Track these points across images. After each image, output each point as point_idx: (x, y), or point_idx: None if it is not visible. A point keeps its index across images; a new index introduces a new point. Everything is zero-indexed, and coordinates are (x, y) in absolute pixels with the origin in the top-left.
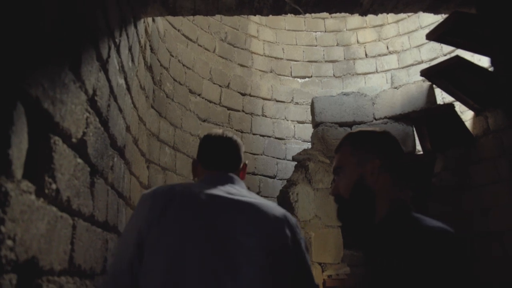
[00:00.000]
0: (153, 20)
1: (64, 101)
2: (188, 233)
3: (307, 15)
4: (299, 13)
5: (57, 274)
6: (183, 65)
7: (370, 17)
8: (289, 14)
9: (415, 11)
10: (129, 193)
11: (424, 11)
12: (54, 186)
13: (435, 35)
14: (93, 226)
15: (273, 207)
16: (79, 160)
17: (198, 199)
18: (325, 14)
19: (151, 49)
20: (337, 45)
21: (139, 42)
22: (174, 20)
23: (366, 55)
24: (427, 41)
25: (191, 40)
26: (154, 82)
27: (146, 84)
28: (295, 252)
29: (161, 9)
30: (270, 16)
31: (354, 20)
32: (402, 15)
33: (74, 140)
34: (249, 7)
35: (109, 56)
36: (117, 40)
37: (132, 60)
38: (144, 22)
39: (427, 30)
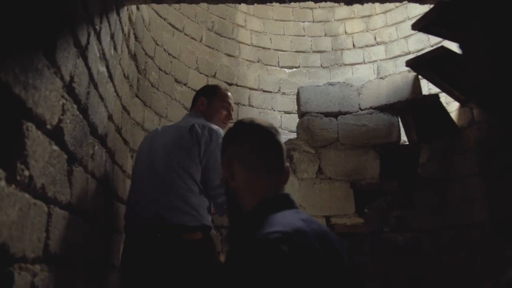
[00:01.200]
0: (138, 8)
1: (38, 86)
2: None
3: (295, 5)
4: (285, 2)
5: (31, 261)
6: (169, 54)
7: (358, 7)
8: (275, 4)
9: (401, 0)
10: (111, 182)
11: (410, 0)
12: (27, 172)
13: (420, 26)
14: (71, 215)
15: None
16: (55, 147)
17: None
18: (313, 4)
19: (136, 37)
20: (325, 36)
21: (122, 30)
22: (160, 9)
23: (353, 45)
24: (414, 32)
25: (177, 29)
26: (138, 71)
27: (130, 73)
28: (194, 148)
29: None
30: (258, 6)
31: (342, 10)
32: (390, 6)
33: (49, 126)
34: None
35: (88, 43)
36: (97, 27)
37: (115, 48)
38: (127, 9)
39: (414, 21)
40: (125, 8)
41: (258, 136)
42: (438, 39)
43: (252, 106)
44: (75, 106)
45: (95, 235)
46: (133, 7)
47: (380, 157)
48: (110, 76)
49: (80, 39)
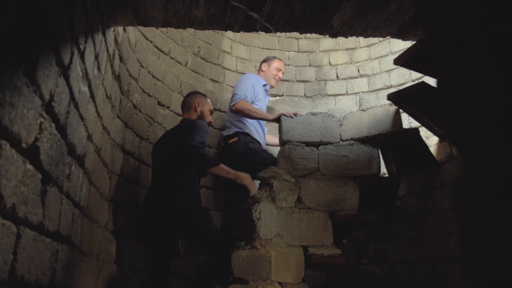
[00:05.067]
0: (124, 30)
1: (15, 104)
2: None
3: (281, 34)
4: (270, 31)
5: None
6: (153, 77)
7: (343, 40)
8: (262, 33)
9: (384, 36)
10: (87, 203)
11: (393, 36)
12: None
13: (401, 61)
14: (42, 236)
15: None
16: (29, 166)
17: None
18: (299, 35)
19: (121, 58)
20: (309, 66)
21: (107, 50)
22: (147, 31)
23: (337, 77)
24: (397, 66)
25: (163, 52)
26: (121, 92)
27: (113, 94)
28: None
29: (132, 19)
30: (245, 33)
31: (327, 42)
32: (373, 40)
33: (24, 145)
34: (220, 22)
35: (71, 62)
36: (81, 47)
37: (98, 68)
38: (114, 30)
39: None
40: (112, 29)
41: None
42: (419, 75)
43: None
44: (53, 125)
45: (66, 259)
46: (120, 29)
47: (360, 188)
48: (92, 96)
49: (63, 58)
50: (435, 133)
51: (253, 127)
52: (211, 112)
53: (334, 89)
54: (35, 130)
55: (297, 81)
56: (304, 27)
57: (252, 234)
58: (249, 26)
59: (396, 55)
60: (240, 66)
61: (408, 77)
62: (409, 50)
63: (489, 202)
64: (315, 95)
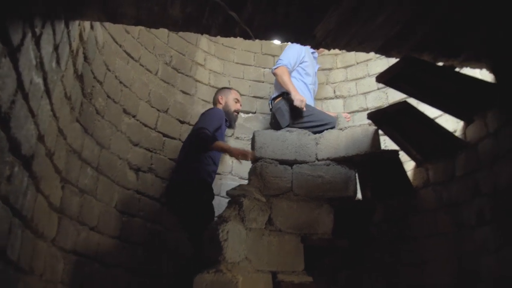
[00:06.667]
0: (92, 28)
1: None
2: None
3: (257, 50)
4: (249, 37)
5: None
6: (120, 82)
7: (320, 60)
8: (237, 47)
9: (367, 51)
10: (31, 213)
11: (376, 52)
12: None
13: (384, 78)
14: None
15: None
16: None
17: None
18: (276, 51)
19: (85, 57)
20: None
21: (70, 45)
22: (117, 34)
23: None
24: (373, 89)
25: (132, 58)
26: (83, 94)
27: (73, 94)
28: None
29: (100, 14)
30: (220, 47)
31: None
32: (351, 62)
33: None
34: (197, 24)
35: (22, 44)
36: (37, 30)
37: (58, 62)
38: (79, 25)
39: (374, 79)
40: (77, 22)
41: None
42: (396, 98)
43: None
44: None
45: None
46: (87, 25)
47: (334, 211)
48: (48, 92)
49: (12, 37)
50: (413, 157)
51: (299, 89)
52: (237, 101)
53: None
54: None
55: None
56: (285, 34)
57: (218, 256)
58: (227, 29)
59: (373, 78)
60: (213, 79)
61: (385, 100)
62: (392, 67)
63: None
64: None
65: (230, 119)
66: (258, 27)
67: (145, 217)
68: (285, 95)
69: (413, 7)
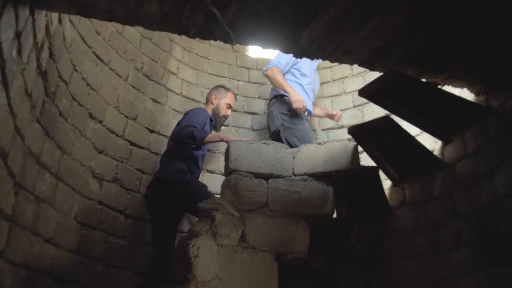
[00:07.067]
0: (60, 22)
1: None
2: None
3: (232, 61)
4: (231, 41)
5: None
6: (87, 84)
7: None
8: (211, 58)
9: (351, 63)
10: None
11: (361, 64)
12: None
13: (367, 93)
14: None
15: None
16: None
17: None
18: (250, 64)
19: (51, 53)
20: (258, 98)
21: (35, 36)
22: (87, 35)
23: None
24: (350, 106)
25: (102, 60)
26: (46, 93)
27: (35, 92)
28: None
29: (70, 5)
30: (194, 56)
31: None
32: (327, 78)
33: None
34: (175, 23)
35: None
36: None
37: (19, 52)
38: (46, 16)
39: (350, 96)
40: (43, 13)
41: None
42: (372, 117)
43: None
44: None
45: None
46: (54, 18)
47: (311, 229)
48: (5, 83)
49: None
50: (390, 176)
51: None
52: (229, 107)
53: None
54: None
55: (245, 112)
56: (267, 40)
57: (187, 274)
58: (207, 31)
59: (349, 96)
60: (185, 89)
61: (361, 118)
62: (376, 81)
63: None
64: (262, 129)
65: (216, 122)
66: (240, 30)
67: (107, 230)
68: (279, 97)
69: (402, 18)
